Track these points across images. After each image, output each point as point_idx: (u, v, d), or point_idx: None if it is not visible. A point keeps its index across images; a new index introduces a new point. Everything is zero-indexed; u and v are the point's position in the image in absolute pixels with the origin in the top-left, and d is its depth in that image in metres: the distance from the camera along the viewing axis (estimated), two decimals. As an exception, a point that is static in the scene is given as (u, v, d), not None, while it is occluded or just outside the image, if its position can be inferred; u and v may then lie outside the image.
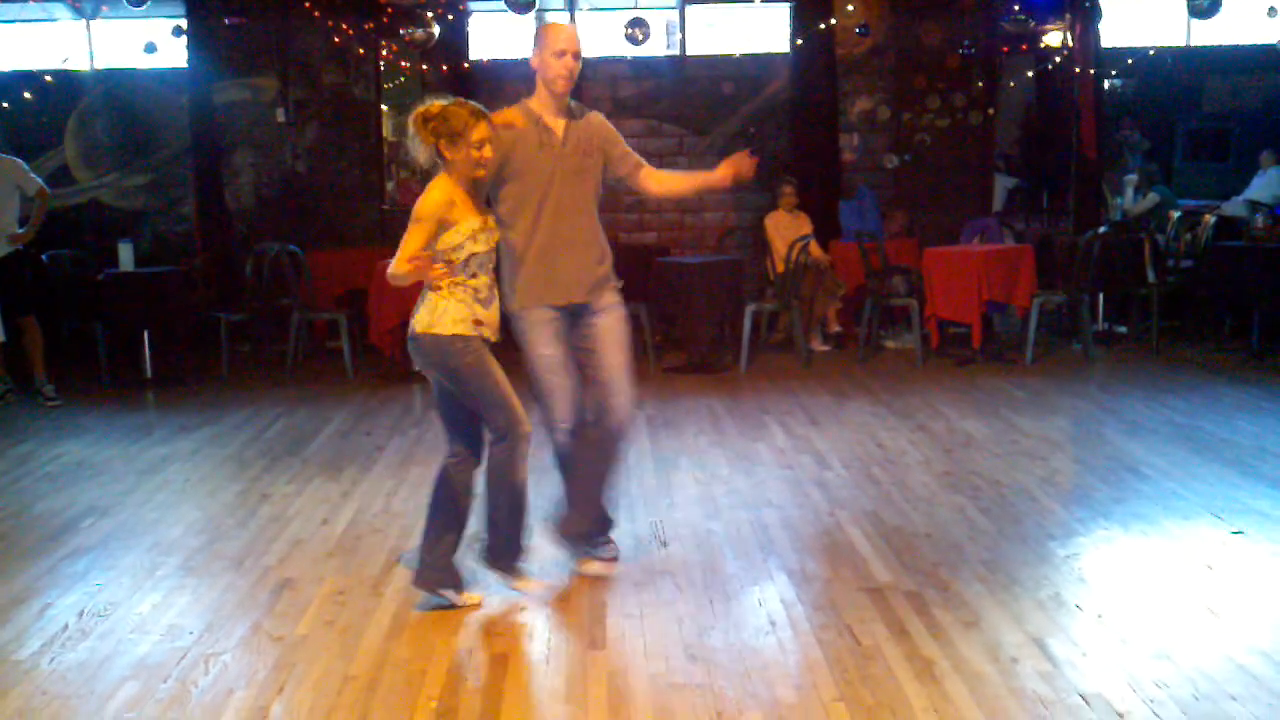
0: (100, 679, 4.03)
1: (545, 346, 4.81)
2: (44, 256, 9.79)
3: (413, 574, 4.71)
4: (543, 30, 4.84)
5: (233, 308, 10.33)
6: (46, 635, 4.44)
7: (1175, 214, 11.49)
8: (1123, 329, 10.95)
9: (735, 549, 5.27)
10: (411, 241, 4.33)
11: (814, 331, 10.68)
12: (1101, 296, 10.66)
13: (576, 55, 4.79)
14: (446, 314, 4.37)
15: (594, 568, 5.00)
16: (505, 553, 4.70)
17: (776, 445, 7.19)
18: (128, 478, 6.77)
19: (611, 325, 4.92)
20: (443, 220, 4.34)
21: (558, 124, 4.84)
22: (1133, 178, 12.55)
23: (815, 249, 10.34)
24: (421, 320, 4.42)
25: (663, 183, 5.27)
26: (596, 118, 5.04)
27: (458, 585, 4.63)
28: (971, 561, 5.01)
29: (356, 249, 11.27)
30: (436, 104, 4.41)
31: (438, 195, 4.35)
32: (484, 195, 4.66)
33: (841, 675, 3.91)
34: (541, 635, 4.35)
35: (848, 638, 4.23)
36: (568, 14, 11.81)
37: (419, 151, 4.44)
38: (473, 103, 4.45)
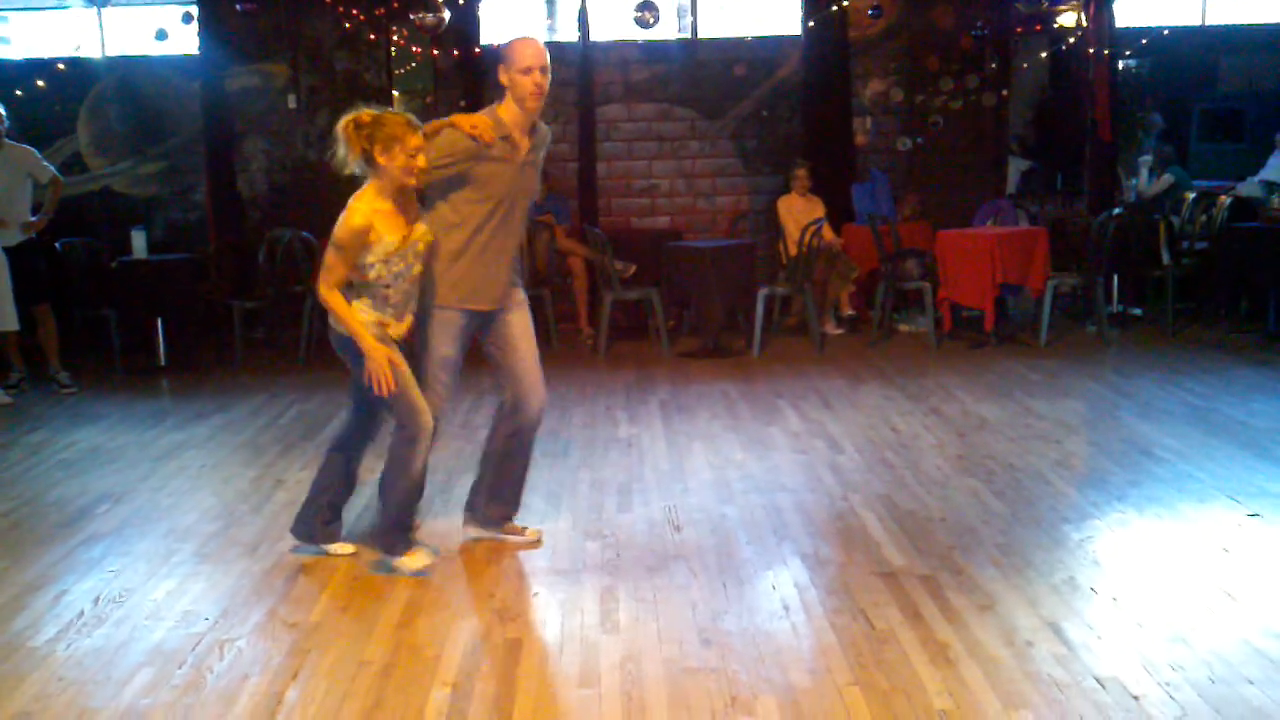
0: (116, 665, 4.04)
1: (448, 346, 4.84)
2: (57, 244, 9.81)
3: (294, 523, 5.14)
4: (509, 48, 4.74)
5: (246, 295, 10.35)
6: (62, 621, 4.46)
7: (1190, 195, 11.43)
8: (1137, 311, 10.91)
9: (749, 533, 5.26)
10: (339, 268, 4.48)
11: (827, 315, 10.66)
12: (1116, 278, 10.61)
13: (545, 70, 4.70)
14: (358, 314, 4.54)
15: (523, 537, 5.22)
16: (394, 532, 4.85)
17: (790, 429, 7.18)
18: (142, 464, 6.79)
19: (522, 320, 5.01)
20: (364, 245, 4.44)
21: (523, 141, 4.79)
22: (1147, 159, 12.49)
23: (828, 232, 10.31)
24: (331, 320, 4.63)
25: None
26: (545, 132, 4.98)
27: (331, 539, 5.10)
28: (986, 545, 5.00)
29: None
30: (368, 111, 4.48)
31: (358, 221, 4.43)
32: (418, 195, 4.71)
33: (856, 659, 3.90)
34: (555, 620, 4.36)
35: (862, 622, 4.22)
36: (579, -2, 11.77)
37: (344, 157, 4.50)
38: (407, 113, 4.54)
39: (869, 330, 10.36)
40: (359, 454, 5.12)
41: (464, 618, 4.39)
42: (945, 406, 7.64)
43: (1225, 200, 11.01)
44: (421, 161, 4.46)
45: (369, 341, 4.49)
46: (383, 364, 4.48)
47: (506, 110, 4.76)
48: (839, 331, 10.68)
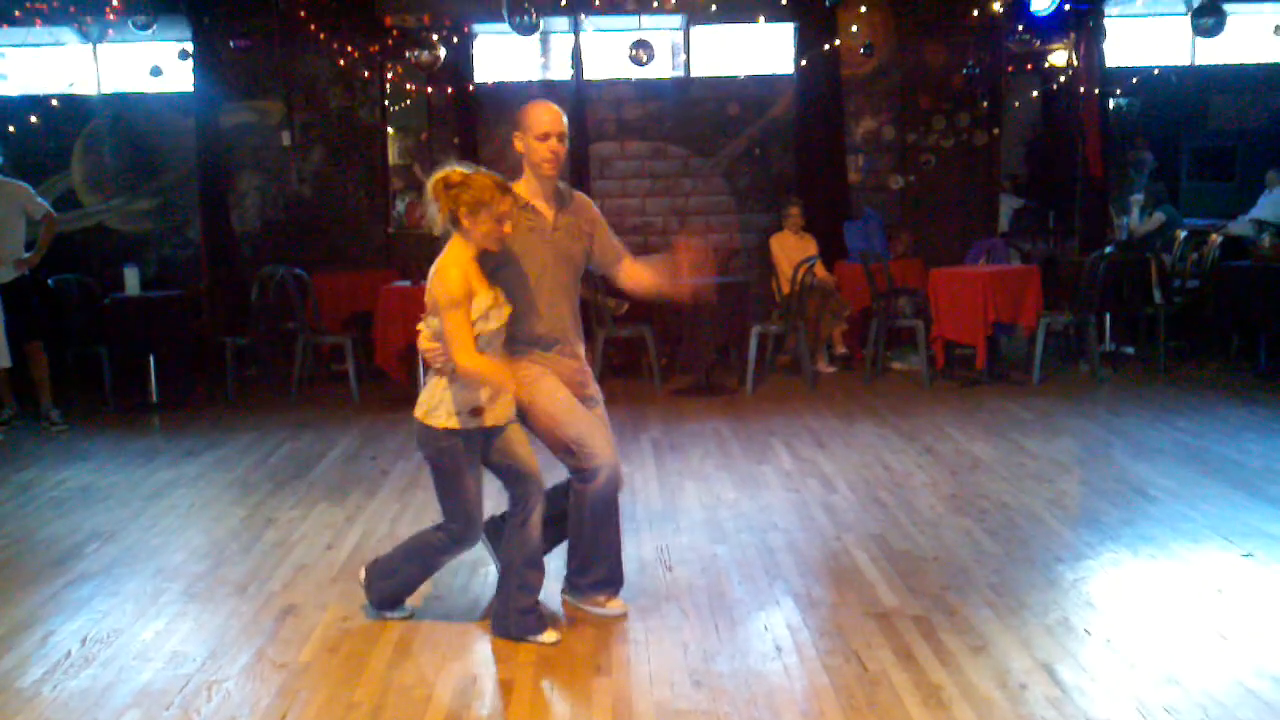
0: (103, 706, 4.01)
1: (557, 390, 4.59)
2: (49, 281, 9.80)
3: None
4: (524, 113, 4.65)
5: (238, 331, 10.33)
6: (49, 662, 4.42)
7: (1181, 233, 11.47)
8: (1130, 349, 10.92)
9: (741, 573, 5.24)
10: (461, 330, 4.18)
11: (820, 353, 10.67)
12: (1108, 317, 10.64)
13: (562, 137, 4.60)
14: (443, 404, 4.31)
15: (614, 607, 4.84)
16: (388, 601, 4.78)
17: (783, 468, 7.16)
18: (132, 503, 6.76)
19: (602, 414, 4.79)
20: (469, 297, 4.23)
21: (547, 208, 4.67)
22: (1139, 197, 12.53)
23: (821, 270, 10.33)
24: (420, 405, 4.40)
25: (635, 279, 4.92)
26: (583, 199, 4.87)
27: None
28: (979, 585, 4.98)
29: (362, 272, 11.27)
30: (458, 170, 4.30)
31: (457, 274, 4.21)
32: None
33: (848, 702, 3.88)
34: (546, 661, 4.33)
35: (854, 663, 4.20)
36: (572, 35, 11.82)
37: (434, 216, 4.31)
38: (496, 174, 4.34)
39: (862, 368, 10.36)
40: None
41: (454, 659, 4.36)
42: (938, 445, 7.64)
43: (1216, 239, 11.05)
44: (509, 228, 4.30)
45: (492, 370, 4.21)
46: (508, 376, 4.24)
47: (524, 183, 4.66)
48: (832, 370, 10.69)
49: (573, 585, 4.87)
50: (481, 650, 4.45)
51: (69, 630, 4.76)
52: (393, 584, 4.74)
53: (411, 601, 4.84)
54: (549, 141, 4.58)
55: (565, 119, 4.67)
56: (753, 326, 9.88)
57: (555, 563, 4.89)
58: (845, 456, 7.41)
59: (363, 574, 4.83)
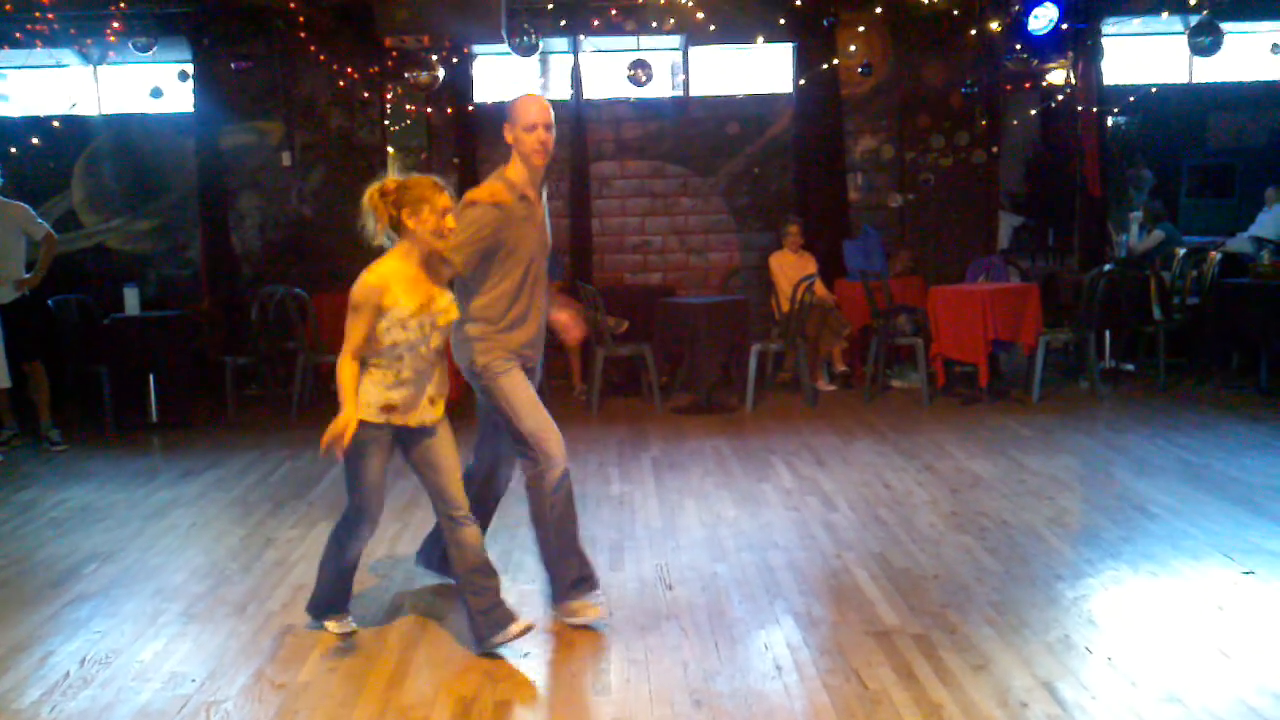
0: (101, 728, 4.00)
1: (525, 389, 4.82)
2: (50, 301, 9.81)
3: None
4: (513, 105, 4.79)
5: (239, 351, 10.34)
6: (48, 683, 4.41)
7: (1180, 251, 11.47)
8: (1129, 367, 10.91)
9: (741, 592, 5.23)
10: (355, 332, 4.37)
11: (820, 371, 10.66)
12: (1108, 334, 10.63)
13: (549, 127, 4.74)
14: (361, 396, 4.41)
15: (593, 613, 4.90)
16: (320, 606, 4.87)
17: (783, 486, 7.16)
18: (132, 523, 6.75)
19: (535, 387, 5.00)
20: (378, 306, 4.35)
21: (538, 198, 4.85)
22: (1138, 215, 12.55)
23: (820, 288, 10.34)
24: None
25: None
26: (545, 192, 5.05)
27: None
28: (980, 603, 4.97)
29: (362, 291, 11.25)
30: (391, 179, 4.44)
31: (371, 280, 4.36)
32: (449, 271, 4.61)
33: (849, 721, 3.87)
34: (546, 681, 4.32)
35: (855, 682, 4.19)
36: (572, 56, 11.86)
37: (374, 228, 4.45)
38: (431, 175, 4.49)
39: (862, 386, 10.36)
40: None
41: (454, 678, 4.35)
42: (938, 463, 7.63)
43: (1215, 256, 11.05)
44: (451, 221, 4.39)
45: (350, 407, 4.35)
46: (345, 426, 4.33)
47: (515, 170, 4.78)
48: (831, 388, 10.69)
49: (555, 596, 4.94)
50: (481, 670, 4.44)
51: (68, 651, 4.75)
52: (319, 586, 4.85)
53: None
54: (536, 132, 4.70)
55: (552, 111, 4.78)
56: (752, 345, 9.89)
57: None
58: (845, 474, 7.40)
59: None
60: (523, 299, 4.80)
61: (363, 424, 4.38)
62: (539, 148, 4.71)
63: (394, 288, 4.37)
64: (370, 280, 4.36)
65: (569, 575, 4.88)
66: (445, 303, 4.52)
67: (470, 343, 4.80)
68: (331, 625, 4.83)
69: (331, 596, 4.84)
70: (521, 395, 4.80)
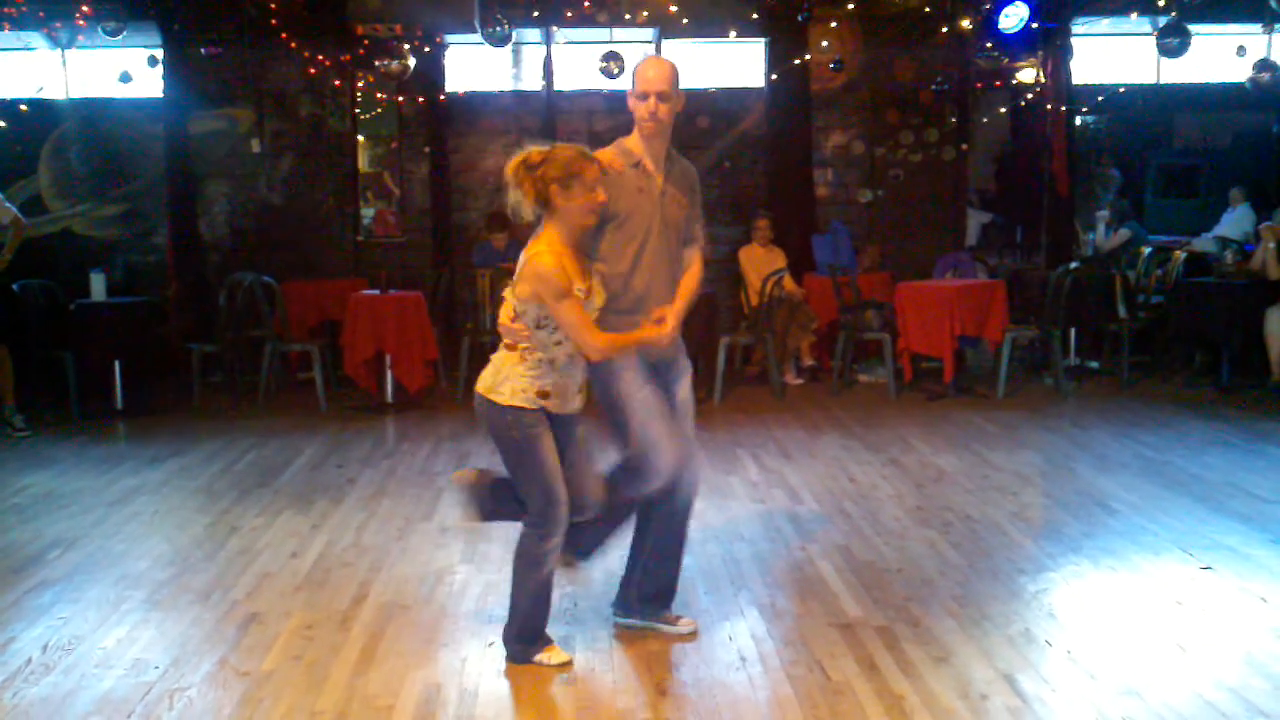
0: (63, 715, 3.98)
1: (640, 389, 4.43)
2: (15, 286, 9.72)
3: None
4: (634, 71, 4.52)
5: (205, 338, 10.27)
6: (9, 669, 4.39)
7: (1146, 250, 11.58)
8: (1094, 364, 11.01)
9: (707, 583, 5.26)
10: (579, 316, 4.07)
11: (787, 365, 10.70)
12: (1073, 331, 10.71)
13: (663, 95, 4.40)
14: (509, 381, 4.15)
15: (674, 628, 4.72)
16: (525, 638, 4.39)
17: (749, 479, 7.19)
18: (96, 509, 6.71)
19: (687, 395, 4.74)
20: (571, 281, 4.07)
21: (656, 169, 4.53)
22: (1104, 214, 12.64)
23: (789, 283, 10.37)
24: (484, 379, 4.23)
25: (682, 278, 4.74)
26: (689, 167, 4.74)
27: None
28: (942, 597, 5.01)
29: (331, 280, 11.23)
30: (535, 150, 4.13)
31: (552, 262, 4.03)
32: (589, 246, 4.38)
33: (811, 711, 3.90)
34: (510, 671, 4.32)
35: (818, 673, 4.22)
36: (545, 47, 11.85)
37: (523, 204, 4.12)
38: (578, 145, 4.19)
39: (829, 380, 10.40)
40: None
41: (418, 668, 4.36)
42: (903, 457, 7.68)
43: (1180, 255, 11.16)
44: (601, 195, 4.13)
45: (624, 340, 4.17)
46: (659, 331, 4.22)
47: (634, 138, 4.55)
48: (799, 381, 10.73)
49: (627, 601, 4.79)
50: (445, 659, 4.45)
51: (30, 637, 4.72)
52: (520, 621, 4.38)
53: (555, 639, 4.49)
54: (648, 101, 4.42)
55: (673, 79, 4.46)
56: (721, 338, 9.92)
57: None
58: (811, 468, 7.44)
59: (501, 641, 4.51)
60: (638, 279, 4.46)
61: (515, 412, 4.12)
62: (647, 116, 4.43)
63: (565, 266, 4.08)
64: (551, 263, 4.02)
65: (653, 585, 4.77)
66: (597, 285, 4.26)
67: None
68: (544, 658, 4.36)
69: (534, 622, 4.40)
70: (629, 397, 4.44)
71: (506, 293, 4.23)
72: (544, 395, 4.15)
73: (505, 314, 4.22)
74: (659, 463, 4.42)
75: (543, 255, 4.05)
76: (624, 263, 4.43)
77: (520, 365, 4.15)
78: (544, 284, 4.02)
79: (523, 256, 4.14)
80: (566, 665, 4.34)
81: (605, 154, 4.44)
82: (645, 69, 4.47)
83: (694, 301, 4.70)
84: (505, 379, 4.16)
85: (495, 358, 4.26)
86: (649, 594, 4.73)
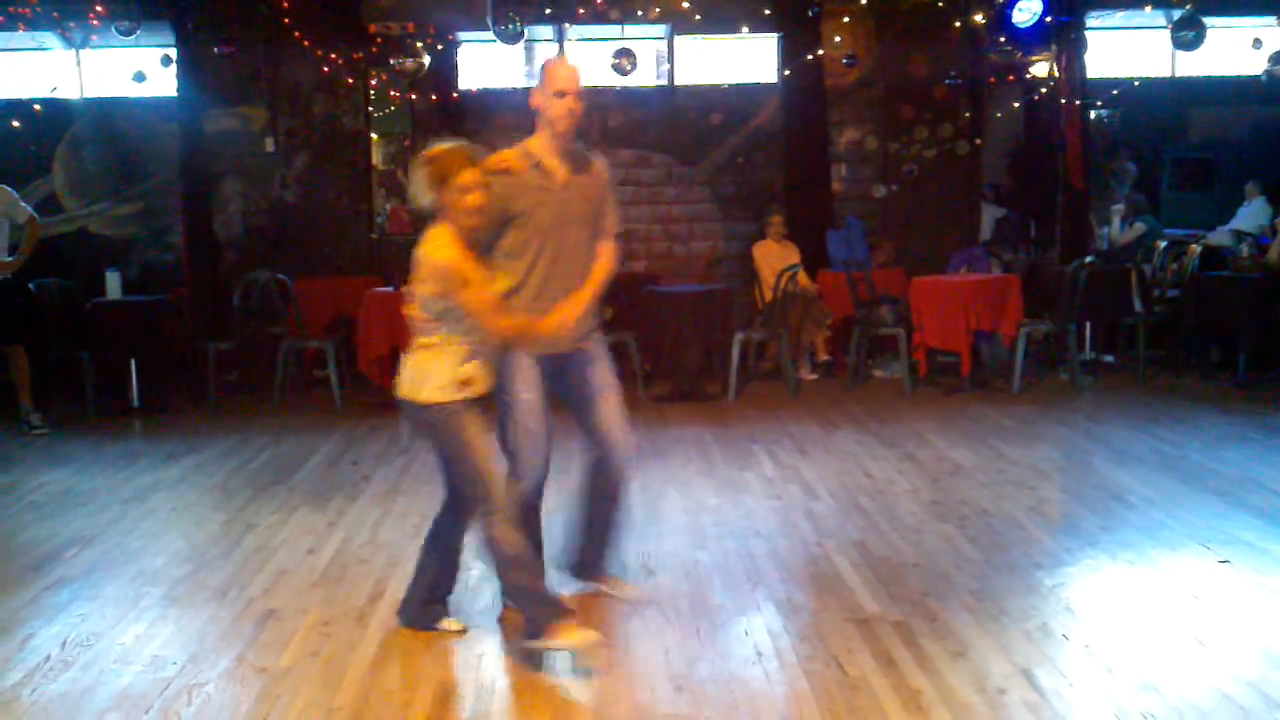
0: (82, 710, 4.00)
1: (527, 390, 4.62)
2: (31, 285, 9.76)
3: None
4: (544, 69, 4.68)
5: (220, 336, 10.29)
6: (28, 666, 4.41)
7: (1161, 244, 11.54)
8: (1110, 358, 10.97)
9: (723, 579, 5.25)
10: (481, 300, 4.15)
11: (802, 360, 10.68)
12: (1089, 326, 10.68)
13: (579, 95, 4.61)
14: (429, 379, 4.21)
15: (629, 590, 5.06)
16: (535, 614, 4.36)
17: (764, 474, 7.18)
18: (113, 507, 6.74)
19: (606, 378, 4.82)
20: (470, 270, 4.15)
21: (558, 166, 4.66)
22: (1119, 207, 12.61)
23: (803, 278, 10.36)
24: (403, 383, 4.29)
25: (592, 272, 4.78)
26: (602, 165, 4.89)
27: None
28: (959, 591, 5.00)
29: (345, 278, 11.25)
30: (439, 147, 4.24)
31: (449, 253, 4.11)
32: (483, 244, 4.44)
33: (828, 707, 3.89)
34: (527, 665, 4.33)
35: (834, 669, 4.21)
36: (556, 44, 11.86)
37: (421, 195, 4.23)
38: (473, 146, 4.28)
39: (844, 376, 10.39)
40: (454, 534, 4.63)
41: (435, 663, 4.36)
42: (919, 452, 7.66)
43: (1196, 249, 11.11)
44: (471, 200, 4.16)
45: (523, 322, 4.33)
46: (551, 324, 4.33)
47: (537, 139, 4.67)
48: (814, 377, 10.71)
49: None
50: (462, 655, 4.45)
51: (48, 634, 4.74)
52: (526, 595, 4.39)
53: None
54: (566, 100, 4.58)
55: (581, 79, 4.67)
56: (735, 334, 9.90)
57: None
58: (826, 463, 7.43)
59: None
60: (536, 277, 4.58)
61: (439, 407, 4.19)
62: (566, 115, 4.58)
63: (460, 257, 4.15)
64: (448, 255, 4.10)
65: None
66: (493, 273, 4.39)
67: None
68: (561, 638, 4.29)
69: (535, 589, 4.38)
70: (514, 395, 4.63)
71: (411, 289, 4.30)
72: (466, 384, 4.23)
73: (413, 311, 4.30)
74: (519, 468, 4.65)
75: (439, 250, 4.14)
76: (525, 260, 4.58)
77: (439, 361, 4.22)
78: (445, 277, 4.12)
79: (416, 254, 4.21)
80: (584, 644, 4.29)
81: (507, 155, 4.61)
82: (558, 69, 4.65)
83: (601, 291, 4.77)
84: (426, 378, 4.23)
85: (409, 361, 4.32)
86: (587, 561, 5.05)
